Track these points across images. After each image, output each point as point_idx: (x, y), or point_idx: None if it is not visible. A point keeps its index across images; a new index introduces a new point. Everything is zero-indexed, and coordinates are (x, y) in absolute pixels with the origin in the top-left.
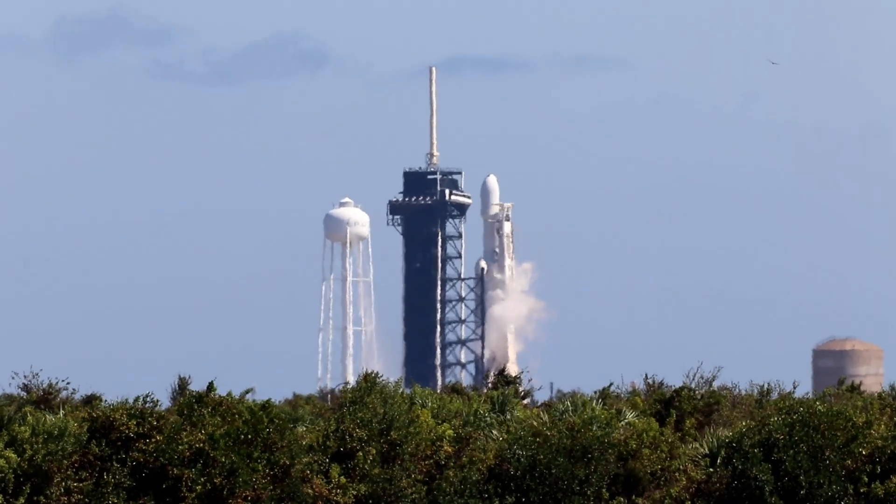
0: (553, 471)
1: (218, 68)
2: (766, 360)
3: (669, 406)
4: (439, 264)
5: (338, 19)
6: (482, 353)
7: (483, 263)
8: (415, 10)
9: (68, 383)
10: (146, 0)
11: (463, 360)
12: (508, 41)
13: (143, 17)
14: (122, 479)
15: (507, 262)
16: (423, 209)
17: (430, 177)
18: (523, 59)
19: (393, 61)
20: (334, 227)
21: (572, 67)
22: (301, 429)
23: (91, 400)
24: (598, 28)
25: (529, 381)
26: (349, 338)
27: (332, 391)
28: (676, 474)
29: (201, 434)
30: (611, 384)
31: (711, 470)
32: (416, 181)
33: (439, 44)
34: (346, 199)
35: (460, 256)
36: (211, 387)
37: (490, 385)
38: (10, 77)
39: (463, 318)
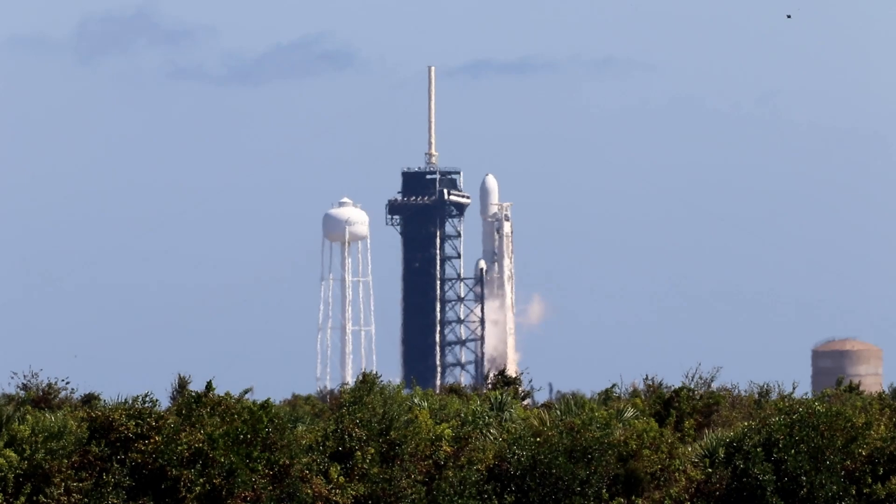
0: (553, 471)
1: (233, 70)
2: (766, 361)
3: (669, 406)
4: (438, 264)
5: (354, 22)
6: (482, 354)
7: (482, 263)
8: (432, 13)
9: (67, 383)
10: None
11: (462, 360)
12: (521, 44)
13: (169, 17)
14: (122, 480)
15: (507, 261)
16: (422, 209)
17: (428, 176)
18: (536, 60)
19: (408, 64)
20: (333, 227)
21: (586, 69)
22: (301, 428)
23: (90, 399)
24: (616, 30)
25: (530, 381)
26: (348, 338)
27: (332, 391)
28: (676, 474)
29: (200, 434)
30: (613, 385)
31: (710, 470)
32: (414, 181)
33: (460, 46)
34: (345, 199)
35: (459, 256)
36: (209, 386)
37: (490, 385)
38: (31, 76)
39: (462, 318)
